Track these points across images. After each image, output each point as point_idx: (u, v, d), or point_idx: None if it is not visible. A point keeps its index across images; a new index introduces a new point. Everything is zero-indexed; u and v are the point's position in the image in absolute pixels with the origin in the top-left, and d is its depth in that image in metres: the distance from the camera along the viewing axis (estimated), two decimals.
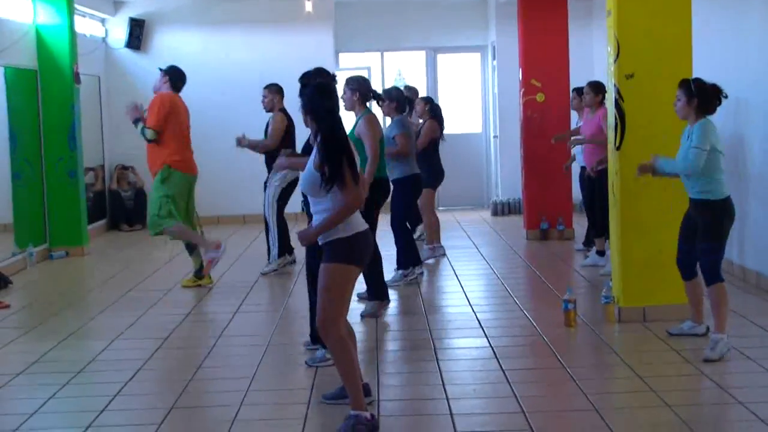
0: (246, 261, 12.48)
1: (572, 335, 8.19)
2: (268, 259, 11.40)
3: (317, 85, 6.06)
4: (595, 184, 10.72)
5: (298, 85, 11.13)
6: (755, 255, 9.61)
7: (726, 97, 7.42)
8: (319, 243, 5.90)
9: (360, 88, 8.97)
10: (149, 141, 10.38)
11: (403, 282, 10.42)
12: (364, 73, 17.62)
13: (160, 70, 10.75)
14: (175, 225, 10.33)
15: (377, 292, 9.11)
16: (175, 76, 10.65)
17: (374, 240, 6.14)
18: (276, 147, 10.91)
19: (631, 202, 8.32)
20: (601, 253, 10.96)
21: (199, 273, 10.59)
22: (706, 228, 7.33)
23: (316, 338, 7.40)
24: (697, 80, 7.41)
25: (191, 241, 10.57)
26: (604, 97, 11.08)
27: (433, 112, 12.47)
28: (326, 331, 5.87)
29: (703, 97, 7.30)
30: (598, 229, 10.95)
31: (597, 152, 10.69)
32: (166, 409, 6.43)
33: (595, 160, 10.69)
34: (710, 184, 7.29)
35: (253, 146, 11.42)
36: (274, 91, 11.52)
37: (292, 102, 8.10)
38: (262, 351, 7.88)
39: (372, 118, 8.99)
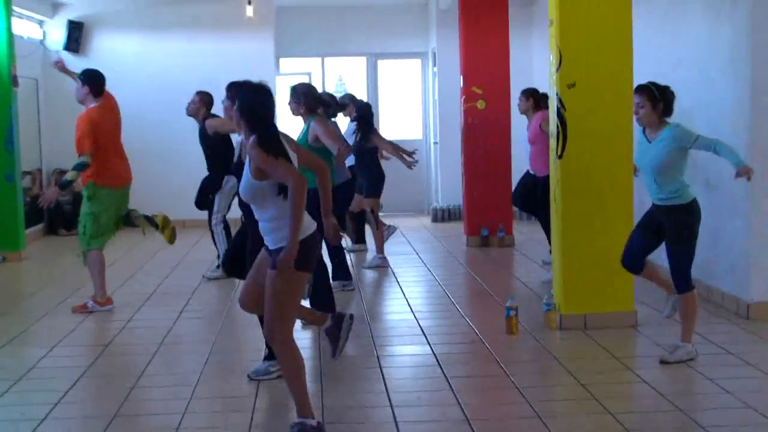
0: (186, 266, 12.41)
1: (514, 342, 8.24)
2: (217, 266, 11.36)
3: (254, 88, 5.91)
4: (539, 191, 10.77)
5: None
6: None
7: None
8: (270, 248, 5.88)
9: (306, 101, 9.00)
10: (88, 165, 9.65)
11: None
12: (305, 79, 17.64)
13: (79, 78, 10.00)
14: (95, 252, 9.84)
15: (325, 305, 8.62)
16: (94, 82, 9.89)
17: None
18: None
19: (572, 210, 8.40)
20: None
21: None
22: (678, 232, 7.31)
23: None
24: (656, 84, 7.32)
25: (94, 280, 9.95)
26: (536, 102, 11.22)
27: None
28: (275, 337, 5.83)
29: (668, 100, 7.27)
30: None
31: (542, 156, 10.76)
32: (109, 418, 6.37)
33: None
34: (679, 188, 7.25)
35: None
36: (205, 100, 11.40)
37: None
38: (205, 358, 7.85)
39: (322, 119, 9.02)
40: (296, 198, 5.57)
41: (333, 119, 10.88)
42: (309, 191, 5.68)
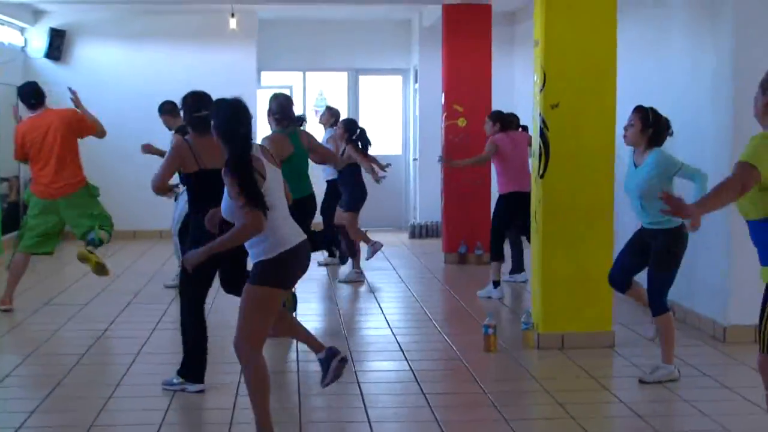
0: (163, 277, 12.37)
1: (492, 360, 8.25)
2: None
3: (232, 106, 5.79)
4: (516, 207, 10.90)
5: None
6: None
7: (671, 134, 7.48)
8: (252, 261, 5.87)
9: (280, 114, 9.15)
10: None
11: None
12: (286, 92, 17.63)
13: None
14: (19, 255, 10.17)
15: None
16: (26, 97, 10.24)
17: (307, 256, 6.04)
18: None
19: (553, 229, 8.43)
20: (496, 283, 11.04)
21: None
22: (660, 257, 7.36)
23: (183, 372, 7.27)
24: (653, 110, 7.40)
25: (8, 284, 10.26)
26: (503, 126, 11.30)
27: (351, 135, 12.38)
28: (241, 354, 5.78)
29: (658, 129, 7.33)
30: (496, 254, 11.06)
31: (499, 176, 11.23)
32: (85, 427, 6.33)
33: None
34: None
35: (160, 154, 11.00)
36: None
37: None
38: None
39: (276, 137, 9.08)
40: (234, 235, 5.61)
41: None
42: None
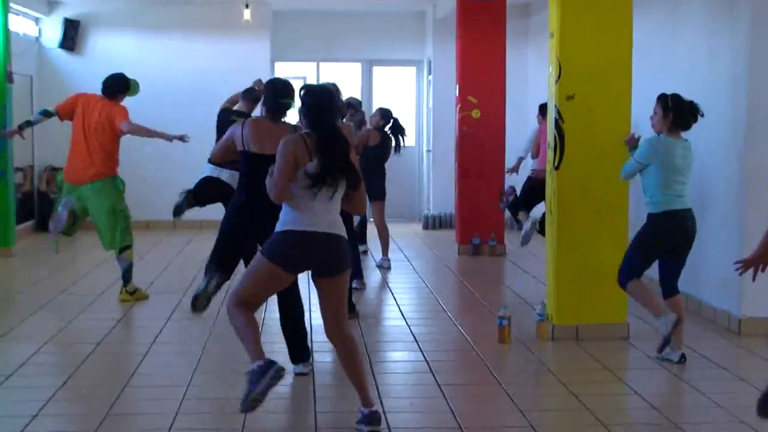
0: (177, 267, 12.40)
1: (506, 351, 8.25)
2: None
3: (326, 91, 6.12)
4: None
5: (233, 91, 11.24)
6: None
7: (702, 115, 7.61)
8: None
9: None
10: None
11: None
12: (300, 83, 17.63)
13: None
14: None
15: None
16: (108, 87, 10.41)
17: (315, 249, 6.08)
18: None
19: (568, 221, 8.42)
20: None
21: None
22: (636, 234, 7.71)
23: (295, 357, 7.44)
24: (675, 96, 7.58)
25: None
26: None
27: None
28: (227, 306, 6.14)
29: (678, 113, 7.50)
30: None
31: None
32: (101, 416, 6.35)
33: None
34: (652, 197, 7.57)
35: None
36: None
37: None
38: (197, 358, 7.84)
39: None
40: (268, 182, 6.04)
41: None
42: None
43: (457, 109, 13.93)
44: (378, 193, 12.52)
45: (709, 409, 6.60)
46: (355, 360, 6.15)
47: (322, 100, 5.99)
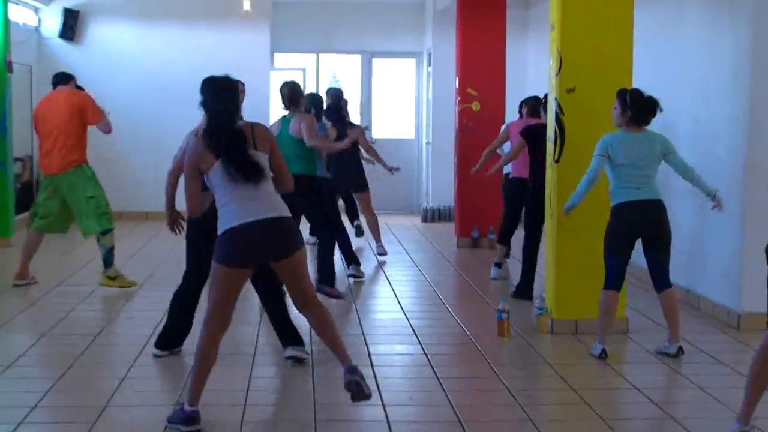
0: (177, 258, 12.34)
1: (505, 345, 8.25)
2: None
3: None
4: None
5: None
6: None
7: (661, 110, 7.62)
8: None
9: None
10: None
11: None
12: (299, 74, 17.69)
13: None
14: (31, 234, 10.48)
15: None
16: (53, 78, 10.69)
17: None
18: None
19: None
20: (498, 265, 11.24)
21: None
22: None
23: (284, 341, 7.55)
24: (634, 91, 7.63)
25: (22, 259, 10.53)
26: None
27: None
28: (202, 328, 6.03)
29: (636, 109, 7.55)
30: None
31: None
32: (100, 408, 6.35)
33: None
34: (611, 191, 7.75)
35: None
36: None
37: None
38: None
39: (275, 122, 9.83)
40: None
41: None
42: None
43: (457, 101, 13.92)
44: (359, 185, 12.67)
45: (708, 403, 6.60)
46: (330, 326, 6.18)
47: (212, 91, 6.08)
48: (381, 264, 12.33)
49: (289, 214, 6.06)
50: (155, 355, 7.60)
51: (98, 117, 10.23)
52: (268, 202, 5.96)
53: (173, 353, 7.62)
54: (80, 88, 10.56)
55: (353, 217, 13.90)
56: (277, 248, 5.97)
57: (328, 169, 11.27)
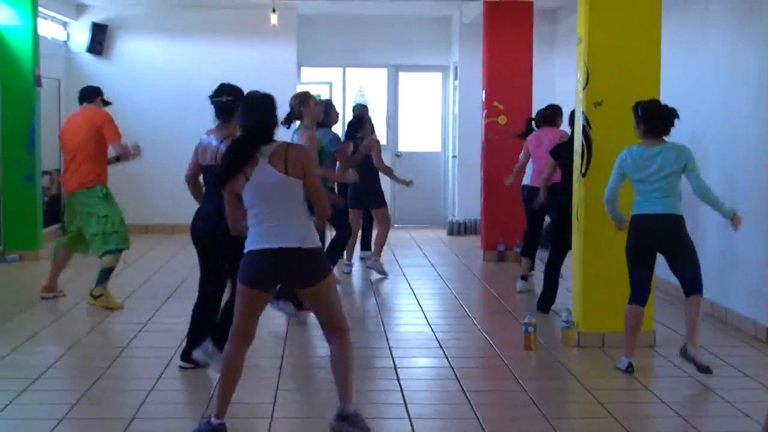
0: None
1: (531, 358, 8.24)
2: None
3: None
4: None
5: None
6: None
7: (678, 117, 7.55)
8: None
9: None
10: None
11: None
12: (326, 88, 17.74)
13: None
14: (60, 250, 10.57)
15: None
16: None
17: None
18: None
19: (595, 229, 8.39)
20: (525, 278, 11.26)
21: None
22: None
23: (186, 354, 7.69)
24: (647, 103, 7.60)
25: (51, 273, 10.64)
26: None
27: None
28: (227, 342, 6.04)
29: (649, 120, 7.51)
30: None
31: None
32: (127, 420, 6.38)
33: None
34: (633, 203, 7.71)
35: None
36: None
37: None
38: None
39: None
40: None
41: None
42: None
43: (483, 114, 13.92)
44: (375, 202, 12.35)
45: (735, 417, 6.57)
46: (344, 365, 6.05)
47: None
48: (373, 282, 12.08)
49: (313, 244, 5.87)
50: (181, 368, 7.64)
51: (114, 136, 10.18)
52: (289, 229, 5.82)
53: (200, 365, 7.63)
54: (108, 103, 10.58)
55: (364, 245, 13.20)
56: (293, 278, 5.95)
57: (345, 188, 11.30)
